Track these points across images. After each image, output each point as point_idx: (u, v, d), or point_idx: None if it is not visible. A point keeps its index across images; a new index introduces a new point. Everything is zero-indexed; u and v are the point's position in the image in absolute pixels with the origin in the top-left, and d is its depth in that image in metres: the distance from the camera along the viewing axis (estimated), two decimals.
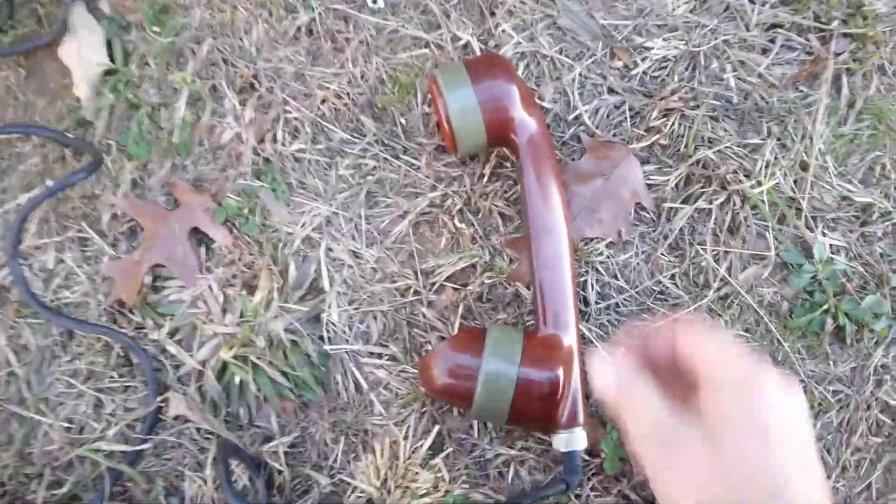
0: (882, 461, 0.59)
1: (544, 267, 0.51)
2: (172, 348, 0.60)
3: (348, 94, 0.63)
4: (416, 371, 0.59)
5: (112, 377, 0.60)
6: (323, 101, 0.63)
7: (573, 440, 0.50)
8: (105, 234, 0.63)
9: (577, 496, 0.57)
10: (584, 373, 0.51)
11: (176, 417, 0.59)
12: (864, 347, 0.59)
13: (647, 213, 0.61)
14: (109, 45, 0.65)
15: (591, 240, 0.60)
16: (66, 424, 0.59)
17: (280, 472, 0.58)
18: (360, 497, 0.58)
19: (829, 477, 0.58)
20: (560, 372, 0.49)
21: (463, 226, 0.60)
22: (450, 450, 0.58)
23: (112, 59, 0.65)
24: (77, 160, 0.64)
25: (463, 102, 0.51)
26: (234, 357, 0.58)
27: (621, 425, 0.38)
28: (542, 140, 0.53)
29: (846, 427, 0.59)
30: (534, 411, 0.50)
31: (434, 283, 0.60)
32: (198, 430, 0.60)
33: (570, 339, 0.51)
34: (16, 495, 0.58)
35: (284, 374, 0.59)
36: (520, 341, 0.51)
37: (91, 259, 0.63)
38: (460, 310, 0.59)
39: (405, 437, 0.58)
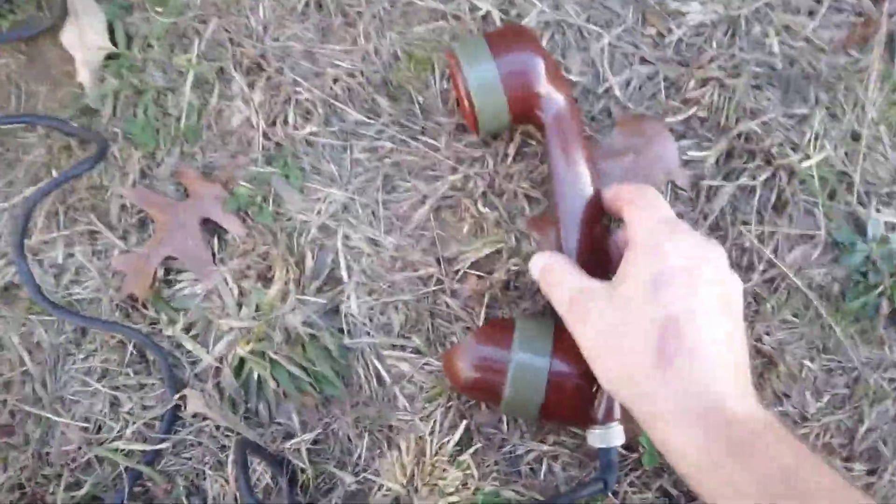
0: None
1: (576, 253, 0.48)
2: (188, 344, 0.58)
3: (361, 72, 0.60)
4: (440, 364, 0.56)
5: (128, 374, 0.58)
6: (335, 81, 0.60)
7: (610, 436, 0.47)
8: (114, 227, 0.60)
9: (615, 493, 0.54)
10: None
11: (195, 415, 0.57)
12: None
13: (685, 192, 0.57)
14: (111, 27, 0.62)
15: None
16: (83, 424, 0.58)
17: (303, 471, 0.56)
18: (386, 495, 0.55)
19: (885, 469, 0.54)
20: None
21: (487, 210, 0.57)
22: (479, 445, 0.55)
23: (114, 43, 0.62)
24: (83, 150, 0.62)
25: (484, 78, 0.47)
26: (252, 352, 0.56)
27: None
28: (571, 116, 0.49)
29: None
30: (567, 406, 0.47)
31: (457, 272, 0.57)
32: (217, 427, 0.58)
33: None
34: (35, 497, 0.57)
35: (304, 368, 0.56)
36: (551, 332, 0.48)
37: (101, 253, 0.60)
38: (486, 299, 0.56)
39: (431, 433, 0.55)
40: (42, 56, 0.65)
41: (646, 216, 0.39)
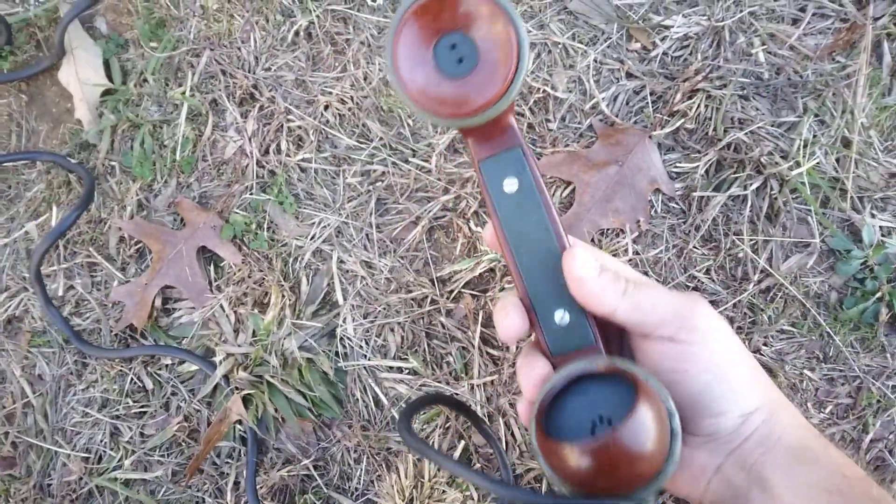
0: None
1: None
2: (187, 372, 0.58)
3: (352, 98, 0.61)
4: (437, 383, 0.56)
5: (127, 404, 0.58)
6: (326, 108, 0.61)
7: None
8: (113, 259, 0.61)
9: None
10: None
11: (178, 443, 0.58)
12: None
13: (677, 203, 0.56)
14: (107, 64, 0.64)
15: (616, 235, 0.56)
16: (84, 454, 0.58)
17: (302, 494, 0.56)
18: None
19: (892, 480, 0.53)
20: None
21: (479, 229, 0.57)
22: (477, 466, 0.55)
23: (111, 79, 0.64)
24: (81, 184, 0.63)
25: (525, 39, 0.29)
26: (249, 378, 0.56)
27: None
28: None
29: None
30: None
31: (452, 291, 0.57)
32: (217, 454, 0.58)
33: None
34: None
35: (301, 393, 0.57)
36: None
37: (101, 284, 0.61)
38: (480, 318, 0.56)
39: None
40: (42, 95, 0.67)
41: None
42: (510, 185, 0.30)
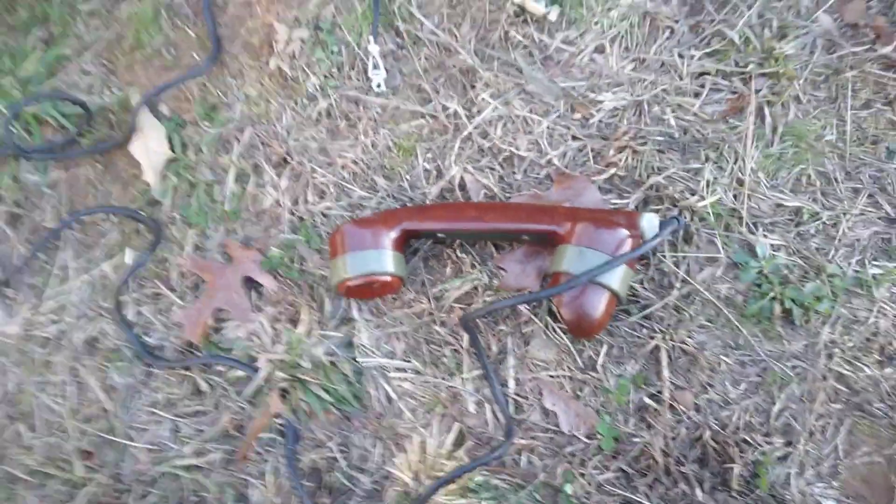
0: (844, 425, 0.68)
1: None
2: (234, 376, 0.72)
3: (363, 160, 0.78)
4: (437, 380, 0.71)
5: (185, 404, 0.72)
6: (343, 167, 0.78)
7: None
8: (174, 289, 0.77)
9: (582, 475, 0.67)
10: None
11: (228, 435, 0.71)
12: (812, 327, 0.70)
13: None
14: (170, 139, 0.82)
15: None
16: (150, 447, 0.71)
17: (329, 473, 0.69)
18: (397, 490, 0.68)
19: (798, 441, 0.67)
20: None
21: (464, 255, 0.73)
22: (470, 443, 0.69)
23: (173, 150, 0.81)
24: (150, 232, 0.79)
25: None
26: (285, 378, 0.70)
27: None
28: None
29: (807, 396, 0.69)
30: None
31: (444, 305, 0.73)
32: (260, 440, 0.71)
33: None
34: None
35: (327, 390, 0.71)
36: None
37: (164, 310, 0.76)
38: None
39: (431, 436, 0.69)
40: (114, 164, 0.84)
41: None
42: None
